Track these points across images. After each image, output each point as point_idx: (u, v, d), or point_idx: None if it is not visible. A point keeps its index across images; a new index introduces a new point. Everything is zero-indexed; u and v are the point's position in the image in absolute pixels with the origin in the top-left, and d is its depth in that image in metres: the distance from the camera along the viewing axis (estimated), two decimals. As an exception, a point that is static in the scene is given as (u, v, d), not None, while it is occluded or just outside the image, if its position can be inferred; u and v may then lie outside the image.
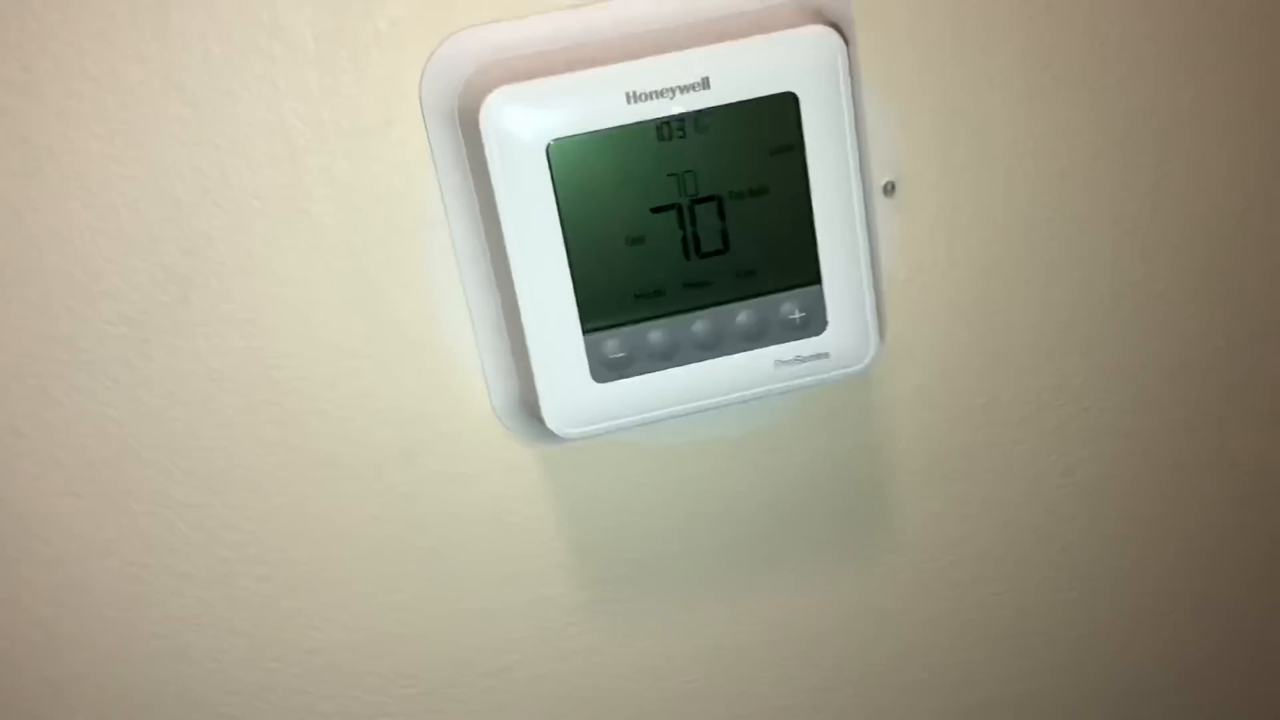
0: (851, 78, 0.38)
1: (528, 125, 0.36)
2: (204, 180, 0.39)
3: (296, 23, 0.38)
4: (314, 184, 0.39)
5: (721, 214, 0.38)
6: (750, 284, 0.39)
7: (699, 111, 0.37)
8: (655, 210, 0.38)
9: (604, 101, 0.36)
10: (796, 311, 0.40)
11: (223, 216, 0.39)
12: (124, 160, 0.38)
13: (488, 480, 0.44)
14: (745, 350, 0.40)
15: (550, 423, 0.40)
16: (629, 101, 0.36)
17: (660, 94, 0.36)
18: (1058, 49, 0.43)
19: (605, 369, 0.39)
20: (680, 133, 0.37)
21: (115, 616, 0.44)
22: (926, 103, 0.43)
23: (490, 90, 0.36)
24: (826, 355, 0.41)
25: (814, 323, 0.40)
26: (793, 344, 0.40)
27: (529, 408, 0.42)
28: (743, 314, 0.40)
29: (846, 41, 0.38)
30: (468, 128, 0.37)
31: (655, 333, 0.39)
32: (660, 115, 0.36)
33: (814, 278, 0.40)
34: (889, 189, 0.43)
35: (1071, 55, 0.43)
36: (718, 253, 0.39)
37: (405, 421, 0.43)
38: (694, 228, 0.38)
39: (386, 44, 0.38)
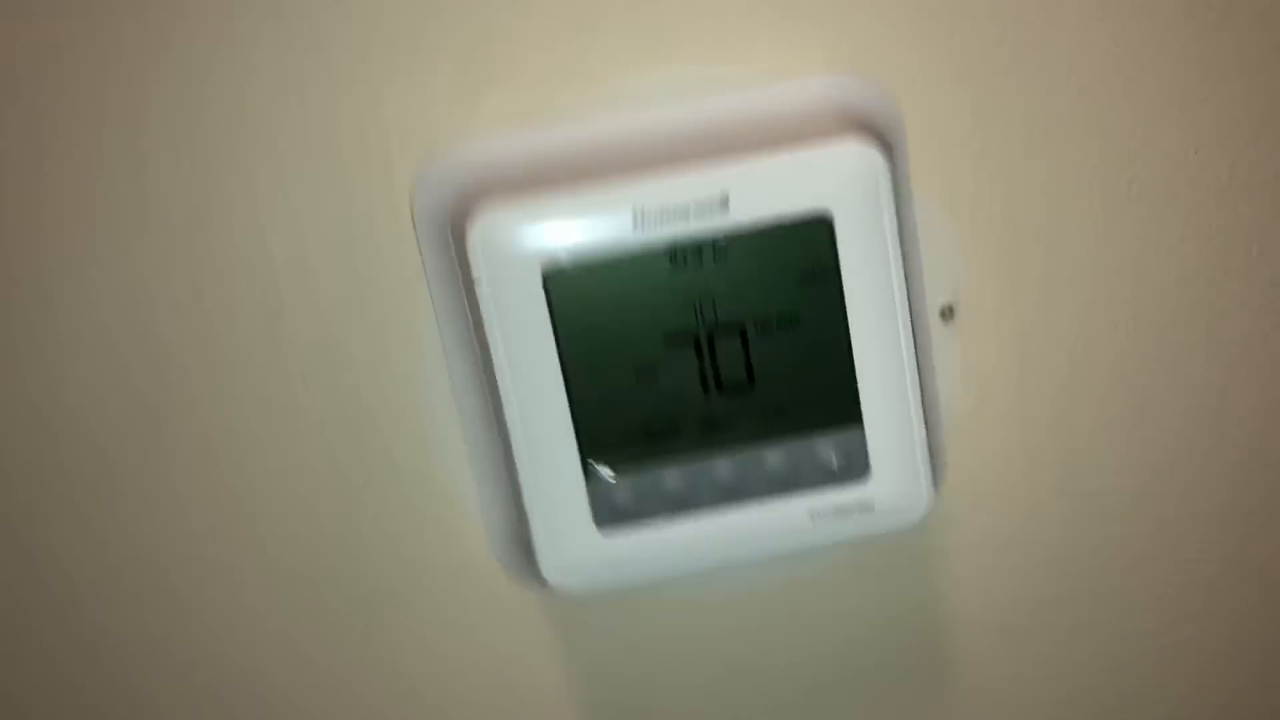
0: (900, 193, 0.34)
1: (520, 244, 0.32)
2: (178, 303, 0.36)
3: (275, 133, 0.34)
4: (295, 304, 0.36)
5: (745, 345, 0.34)
6: (779, 424, 0.34)
7: (715, 234, 0.32)
8: (669, 339, 0.33)
9: (609, 220, 0.32)
10: (834, 456, 0.35)
11: (198, 346, 0.36)
12: (94, 280, 0.35)
13: (484, 629, 0.39)
14: (774, 497, 0.35)
15: (547, 573, 0.35)
16: (636, 222, 0.32)
17: (672, 214, 0.32)
18: (1140, 156, 0.37)
19: (611, 515, 0.35)
20: (696, 256, 0.32)
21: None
22: (989, 217, 0.37)
23: (478, 203, 0.32)
24: (871, 507, 0.35)
25: (855, 469, 0.35)
26: (830, 493, 0.35)
27: (531, 551, 0.37)
28: (771, 456, 0.35)
29: (892, 154, 0.33)
30: (459, 245, 0.33)
31: (670, 475, 0.35)
32: (672, 237, 0.32)
33: (854, 418, 0.34)
34: (947, 313, 0.38)
35: (1156, 163, 0.38)
36: (741, 388, 0.34)
37: (392, 559, 0.39)
38: (713, 359, 0.34)
39: (374, 152, 0.35)
